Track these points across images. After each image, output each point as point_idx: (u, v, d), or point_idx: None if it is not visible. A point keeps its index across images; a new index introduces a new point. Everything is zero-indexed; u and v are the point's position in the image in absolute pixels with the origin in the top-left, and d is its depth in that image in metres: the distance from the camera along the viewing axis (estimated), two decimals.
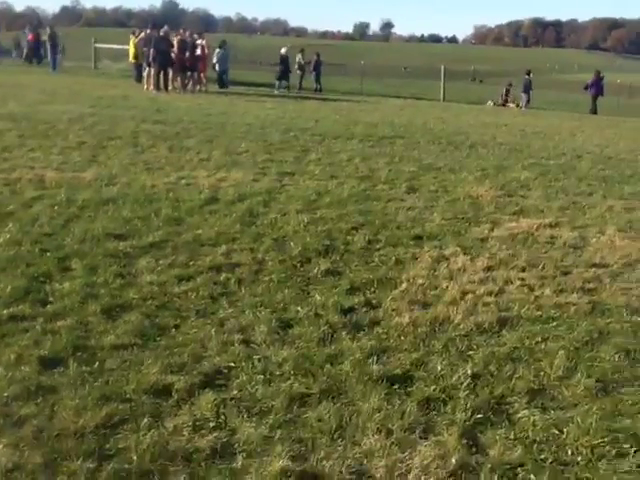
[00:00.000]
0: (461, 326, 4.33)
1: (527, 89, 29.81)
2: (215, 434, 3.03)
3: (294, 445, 2.98)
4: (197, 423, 3.11)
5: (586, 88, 28.73)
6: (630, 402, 3.47)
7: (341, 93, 27.58)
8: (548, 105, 31.21)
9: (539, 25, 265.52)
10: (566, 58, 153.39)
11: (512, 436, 3.14)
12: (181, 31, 23.75)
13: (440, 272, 5.36)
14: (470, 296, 4.85)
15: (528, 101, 29.67)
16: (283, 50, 27.14)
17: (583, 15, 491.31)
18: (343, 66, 50.01)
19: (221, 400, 3.31)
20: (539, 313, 4.62)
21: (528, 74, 30.25)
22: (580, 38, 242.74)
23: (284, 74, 26.51)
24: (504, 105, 29.26)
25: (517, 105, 29.20)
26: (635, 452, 3.05)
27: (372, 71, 47.67)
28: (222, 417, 3.17)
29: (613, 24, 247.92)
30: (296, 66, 27.64)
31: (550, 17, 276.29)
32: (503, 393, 3.52)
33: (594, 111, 27.40)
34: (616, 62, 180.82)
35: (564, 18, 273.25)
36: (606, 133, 17.14)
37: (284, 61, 26.66)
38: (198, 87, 22.47)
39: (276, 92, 25.25)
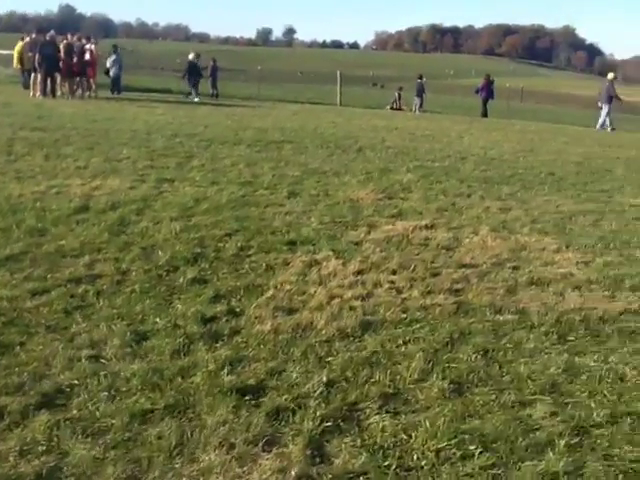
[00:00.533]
0: (323, 332, 4.26)
1: (420, 93, 30.48)
2: (43, 458, 2.84)
3: (128, 465, 2.82)
4: (25, 447, 2.91)
5: (477, 92, 29.58)
6: (481, 402, 3.47)
7: (239, 99, 27.45)
8: (442, 109, 31.99)
9: (437, 31, 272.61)
10: (463, 63, 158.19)
11: (359, 443, 3.07)
12: (68, 35, 23.01)
13: (310, 277, 5.29)
14: (337, 301, 4.79)
15: (421, 105, 30.32)
16: (191, 56, 26.60)
17: (479, 21, 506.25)
18: (243, 72, 49.84)
19: (56, 421, 3.10)
20: (404, 316, 4.60)
21: (420, 78, 30.93)
22: (477, 44, 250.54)
23: (197, 80, 26.01)
24: (399, 109, 29.75)
25: (411, 109, 29.75)
26: (480, 453, 3.03)
27: (272, 76, 47.78)
28: (55, 439, 2.98)
29: (507, 30, 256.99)
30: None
31: (448, 23, 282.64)
32: (356, 399, 3.45)
33: (485, 114, 28.21)
34: (510, 67, 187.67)
35: (461, 24, 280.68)
36: (493, 135, 17.61)
37: (192, 67, 26.16)
38: (87, 93, 21.85)
39: (196, 100, 24.74)
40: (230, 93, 28.50)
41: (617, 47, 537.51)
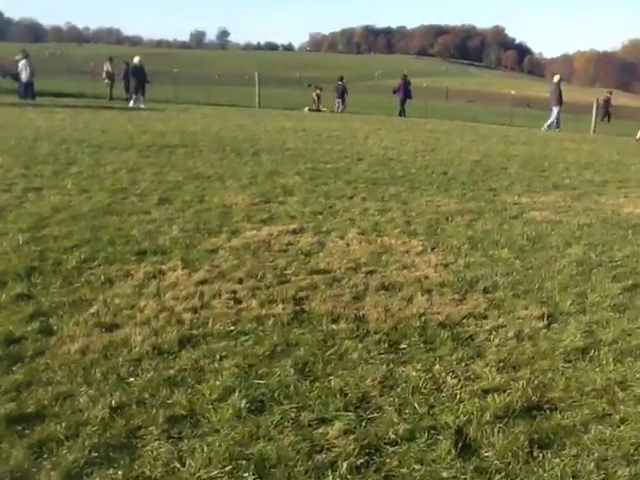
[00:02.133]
0: (136, 349, 3.98)
1: (342, 94, 30.48)
2: None
3: None
4: None
5: (395, 92, 29.69)
6: (276, 422, 3.25)
7: (156, 102, 26.87)
8: (366, 109, 32.01)
9: (371, 32, 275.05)
10: (396, 64, 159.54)
11: (123, 476, 2.82)
12: None
13: (147, 289, 5.01)
14: (165, 314, 4.53)
15: (344, 106, 30.33)
16: (136, 59, 25.74)
17: (412, 22, 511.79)
18: (168, 74, 49.09)
19: None
20: (233, 328, 4.37)
21: (341, 80, 30.98)
22: (409, 44, 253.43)
23: (141, 85, 25.15)
24: (318, 110, 29.64)
25: (331, 110, 29.70)
26: None
27: (194, 79, 47.25)
28: None
29: (439, 30, 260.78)
30: (104, 75, 26.66)
31: (381, 24, 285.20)
32: (142, 424, 3.20)
33: (402, 114, 28.32)
34: (442, 67, 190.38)
35: (394, 25, 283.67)
36: (400, 136, 17.56)
37: (138, 71, 25.26)
38: None
39: (142, 106, 24.05)
40: (148, 96, 27.87)
41: (546, 46, 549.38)
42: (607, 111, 38.39)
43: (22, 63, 24.90)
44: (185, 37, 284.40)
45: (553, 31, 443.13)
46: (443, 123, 25.01)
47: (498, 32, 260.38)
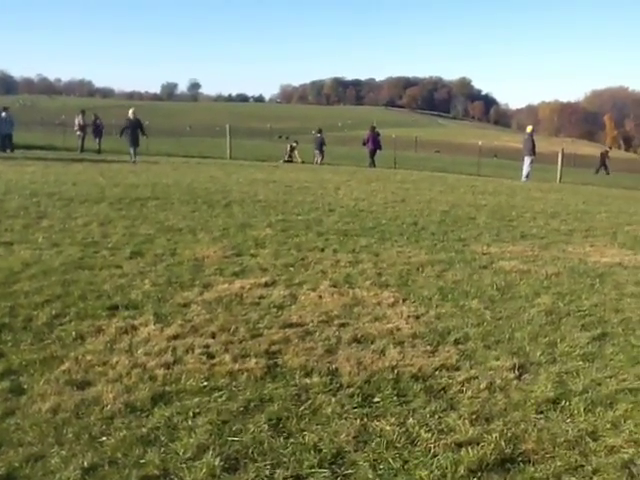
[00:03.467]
0: (109, 407, 3.95)
1: (320, 146, 30.82)
2: None
3: None
4: None
5: (364, 144, 30.05)
6: None
7: (127, 154, 26.86)
8: (338, 160, 32.31)
9: (340, 84, 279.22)
10: (366, 115, 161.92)
11: None
12: None
13: (119, 345, 4.99)
14: (138, 370, 4.50)
15: (322, 157, 30.62)
16: (130, 113, 25.05)
17: (380, 74, 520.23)
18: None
19: None
20: (206, 384, 4.35)
21: (319, 132, 31.34)
22: (378, 96, 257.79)
23: (136, 139, 24.55)
24: (290, 161, 29.88)
25: (303, 162, 29.95)
26: None
27: (169, 131, 47.47)
28: None
29: (407, 82, 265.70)
30: (75, 127, 26.69)
31: (350, 77, 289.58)
32: None
33: (372, 165, 28.64)
34: (411, 118, 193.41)
35: (363, 77, 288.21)
36: (371, 186, 17.72)
37: (134, 124, 24.70)
38: None
39: (136, 159, 23.71)
40: (119, 149, 27.94)
41: (511, 97, 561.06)
42: (605, 164, 39.81)
43: (2, 116, 25.04)
44: (157, 89, 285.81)
45: (518, 82, 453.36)
46: (412, 174, 25.31)
47: (464, 84, 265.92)
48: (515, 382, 4.56)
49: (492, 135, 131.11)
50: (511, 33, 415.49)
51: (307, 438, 3.65)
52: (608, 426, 3.94)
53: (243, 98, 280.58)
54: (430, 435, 3.74)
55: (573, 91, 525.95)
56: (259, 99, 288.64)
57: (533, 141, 26.39)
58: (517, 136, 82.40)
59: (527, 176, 26.14)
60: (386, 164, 29.77)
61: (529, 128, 28.11)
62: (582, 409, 4.14)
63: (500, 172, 30.27)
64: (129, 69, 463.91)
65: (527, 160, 26.38)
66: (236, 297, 6.29)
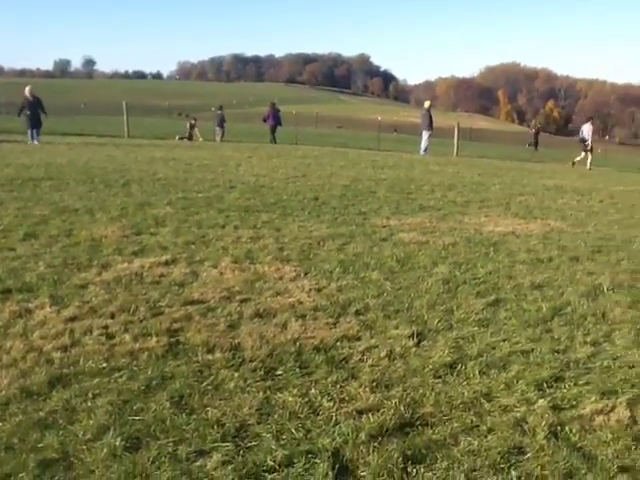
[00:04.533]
0: (3, 393, 3.82)
1: (221, 123, 30.49)
2: None
3: None
4: None
5: (264, 120, 29.96)
6: (153, 458, 3.20)
7: (17, 133, 25.82)
8: (240, 137, 32.07)
9: (240, 61, 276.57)
10: (267, 91, 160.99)
11: None
12: None
13: (13, 330, 4.82)
14: (33, 354, 4.37)
15: (223, 134, 30.32)
16: (27, 91, 23.02)
17: (280, 51, 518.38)
18: None
19: None
20: (105, 365, 4.26)
21: (220, 109, 31.00)
22: (278, 72, 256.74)
23: (37, 119, 22.63)
24: (190, 139, 29.48)
25: (203, 139, 29.60)
26: None
27: (63, 109, 45.90)
28: None
29: (307, 59, 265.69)
30: None
31: (250, 53, 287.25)
32: (11, 471, 3.08)
33: (273, 141, 28.61)
34: (312, 94, 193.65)
35: (263, 54, 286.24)
36: (272, 162, 17.72)
37: (32, 104, 22.72)
38: None
39: (36, 143, 21.86)
40: (7, 128, 26.81)
41: (409, 73, 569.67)
42: (537, 140, 42.31)
43: None
44: (49, 66, 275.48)
45: (415, 59, 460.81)
46: (314, 149, 25.43)
47: (364, 60, 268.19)
48: (414, 349, 4.68)
49: (392, 110, 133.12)
50: (408, 10, 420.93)
51: (210, 413, 3.64)
52: (502, 387, 4.10)
53: (140, 75, 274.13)
54: (332, 404, 3.80)
55: (468, 67, 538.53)
56: (157, 76, 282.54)
57: (430, 116, 26.93)
58: (416, 111, 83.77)
59: (425, 150, 26.70)
60: (288, 140, 29.80)
61: (427, 103, 28.67)
62: (477, 372, 4.30)
63: (400, 147, 30.80)
64: (19, 45, 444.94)
65: (425, 135, 26.93)
66: (136, 276, 6.18)
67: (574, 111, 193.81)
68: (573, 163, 26.10)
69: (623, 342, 4.97)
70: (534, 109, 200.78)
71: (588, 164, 25.68)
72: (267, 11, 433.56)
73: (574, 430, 3.60)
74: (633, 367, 4.49)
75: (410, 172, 16.77)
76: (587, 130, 26.38)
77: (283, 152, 22.36)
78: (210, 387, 3.99)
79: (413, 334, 4.93)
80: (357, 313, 5.40)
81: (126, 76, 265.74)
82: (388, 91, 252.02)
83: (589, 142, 26.12)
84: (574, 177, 19.24)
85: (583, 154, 26.18)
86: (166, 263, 6.66)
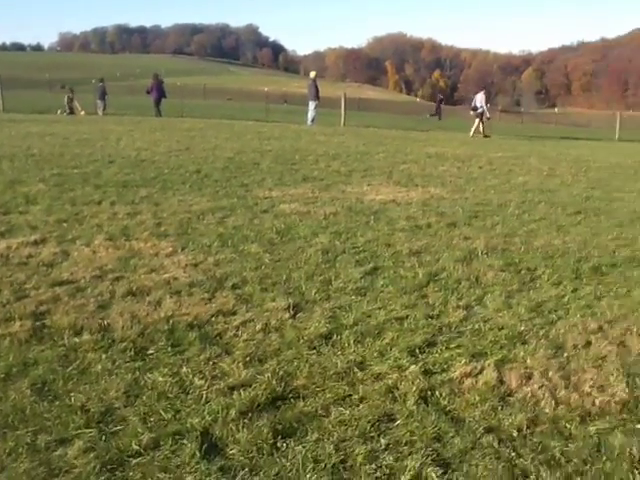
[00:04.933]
0: None
1: (102, 96, 29.53)
2: None
3: None
4: None
5: (148, 93, 29.22)
6: (8, 450, 3.02)
7: None
8: (124, 110, 31.12)
9: (124, 31, 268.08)
10: (153, 63, 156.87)
11: None
12: None
13: None
14: None
15: (104, 107, 29.36)
16: None
17: (166, 21, 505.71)
18: None
19: None
20: None
21: (101, 81, 29.99)
22: (165, 43, 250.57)
23: None
24: (72, 113, 28.40)
25: (84, 112, 28.58)
26: None
27: None
28: None
29: (194, 29, 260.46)
30: None
31: (134, 23, 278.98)
32: None
33: (158, 114, 27.93)
34: (200, 65, 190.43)
35: (148, 24, 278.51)
36: (155, 136, 17.27)
37: None
38: None
39: None
40: None
41: (298, 43, 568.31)
42: (439, 110, 43.67)
43: None
44: None
45: (304, 29, 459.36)
46: (200, 122, 25.00)
47: (252, 30, 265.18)
48: (290, 321, 4.64)
49: (282, 82, 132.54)
50: None
51: (74, 399, 3.48)
52: (375, 355, 4.12)
53: (19, 47, 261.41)
54: (203, 382, 3.71)
55: (357, 37, 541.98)
56: (37, 48, 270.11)
57: (317, 86, 26.94)
58: (305, 82, 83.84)
59: (312, 120, 26.71)
60: (174, 113, 29.14)
61: (312, 74, 28.68)
62: (352, 341, 4.30)
63: (289, 117, 30.66)
64: None
65: (312, 105, 26.93)
66: (1, 258, 5.86)
67: (459, 80, 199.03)
68: (478, 134, 26.56)
69: (494, 305, 5.09)
70: (421, 79, 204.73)
71: (472, 131, 26.30)
72: None
73: (444, 394, 3.65)
74: (502, 329, 4.61)
75: (296, 143, 16.73)
76: (480, 99, 27.02)
77: (168, 125, 21.86)
78: (75, 371, 3.82)
79: (289, 306, 4.88)
80: (234, 287, 5.30)
81: (3, 48, 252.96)
82: (278, 62, 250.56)
83: (486, 111, 26.76)
84: (455, 144, 19.70)
85: (477, 121, 26.79)
86: (35, 243, 6.35)
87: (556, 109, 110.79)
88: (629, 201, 9.89)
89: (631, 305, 5.18)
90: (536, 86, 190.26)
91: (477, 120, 26.62)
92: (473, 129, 26.45)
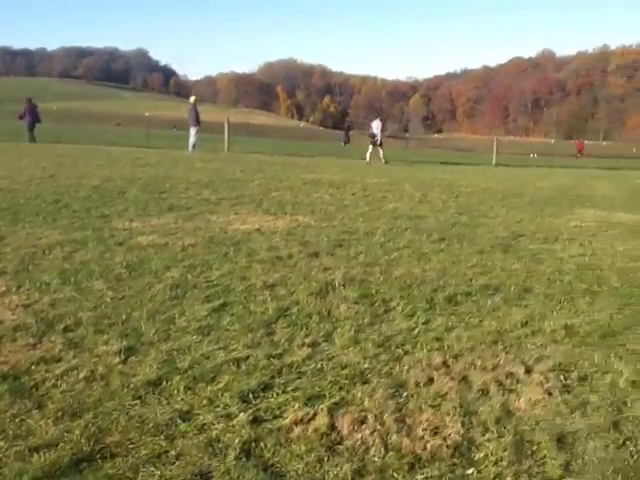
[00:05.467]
0: None
1: None
2: None
3: None
4: None
5: (21, 118, 28.10)
6: None
7: None
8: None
9: (8, 54, 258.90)
10: (39, 86, 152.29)
11: None
12: None
13: None
14: None
15: None
16: None
17: (52, 44, 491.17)
18: None
19: None
20: None
21: None
22: (51, 66, 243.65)
23: None
24: None
25: None
26: None
27: None
28: None
29: (82, 52, 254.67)
30: None
31: (18, 46, 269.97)
32: None
33: (32, 139, 26.88)
34: (89, 89, 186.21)
35: (33, 47, 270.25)
36: (22, 163, 16.32)
37: None
38: None
39: None
40: None
41: (190, 68, 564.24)
42: (348, 136, 46.25)
43: None
44: None
45: (196, 53, 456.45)
46: (76, 148, 24.12)
47: (142, 54, 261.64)
48: (119, 367, 4.28)
49: (173, 106, 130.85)
50: (186, 5, 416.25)
51: None
52: (204, 403, 3.82)
53: None
54: (4, 443, 3.31)
55: (248, 63, 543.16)
56: None
57: (197, 111, 26.60)
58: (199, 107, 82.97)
59: (193, 146, 26.31)
60: (51, 139, 28.05)
61: (192, 98, 28.31)
62: (182, 388, 3.98)
63: (176, 143, 30.04)
64: None
65: (192, 130, 26.56)
66: None
67: (350, 106, 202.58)
68: (368, 161, 26.90)
69: (342, 340, 4.89)
70: (312, 104, 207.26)
71: (382, 158, 26.82)
72: (35, 3, 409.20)
73: (269, 445, 3.39)
74: (345, 367, 4.40)
75: (171, 170, 16.29)
76: (376, 126, 27.54)
77: (39, 151, 20.94)
78: None
79: (121, 350, 4.52)
80: (65, 330, 4.89)
81: None
82: (169, 86, 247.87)
83: (378, 137, 27.28)
84: (335, 170, 19.71)
85: (371, 148, 27.23)
86: None
87: (435, 135, 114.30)
88: (493, 227, 10.00)
89: (480, 336, 5.09)
90: (423, 112, 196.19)
91: (371, 146, 27.07)
92: (368, 154, 26.90)
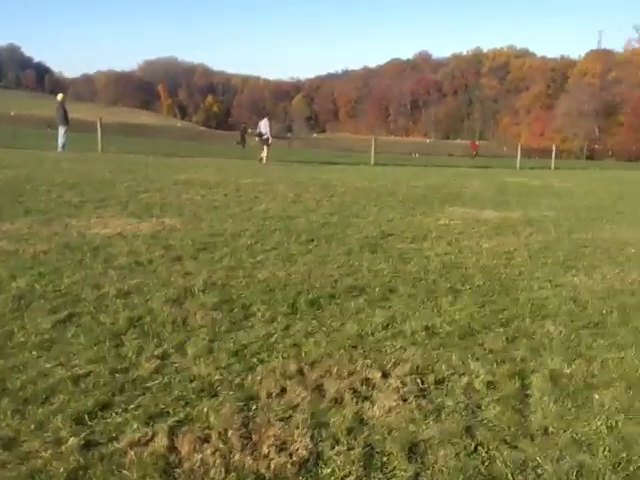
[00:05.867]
0: None
1: None
2: None
3: None
4: None
5: None
6: None
7: None
8: None
9: None
10: None
11: None
12: None
13: None
14: None
15: None
16: None
17: None
18: None
19: None
20: None
21: None
22: None
23: None
24: None
25: None
26: None
27: None
28: None
29: None
30: None
31: None
32: None
33: None
34: None
35: None
36: None
37: None
38: None
39: None
40: None
41: (66, 66, 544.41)
42: (244, 138, 47.61)
43: None
44: None
45: (71, 51, 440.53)
46: None
47: (14, 50, 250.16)
48: None
49: (49, 105, 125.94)
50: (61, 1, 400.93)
51: None
52: (33, 427, 3.49)
53: None
54: None
55: (128, 61, 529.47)
56: None
57: (65, 109, 25.55)
58: (74, 105, 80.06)
59: (63, 146, 25.24)
60: None
61: (59, 96, 27.12)
62: (10, 412, 3.67)
63: (45, 143, 28.63)
64: None
65: (61, 130, 25.49)
66: None
67: (232, 105, 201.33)
68: (261, 159, 26.47)
69: (194, 351, 4.64)
70: (195, 104, 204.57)
71: (264, 158, 26.33)
72: None
73: (98, 473, 3.10)
74: (193, 380, 4.15)
75: (35, 171, 15.46)
76: (264, 125, 27.14)
77: None
78: None
79: None
80: None
81: None
82: (44, 84, 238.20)
83: (267, 136, 26.89)
84: (210, 171, 19.31)
85: (265, 147, 26.83)
86: None
87: (314, 134, 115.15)
88: (363, 226, 9.97)
89: (340, 341, 4.96)
90: (306, 112, 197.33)
91: (265, 147, 26.72)
92: (264, 155, 26.50)
